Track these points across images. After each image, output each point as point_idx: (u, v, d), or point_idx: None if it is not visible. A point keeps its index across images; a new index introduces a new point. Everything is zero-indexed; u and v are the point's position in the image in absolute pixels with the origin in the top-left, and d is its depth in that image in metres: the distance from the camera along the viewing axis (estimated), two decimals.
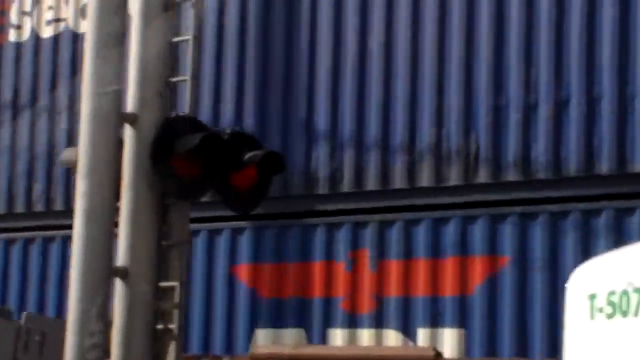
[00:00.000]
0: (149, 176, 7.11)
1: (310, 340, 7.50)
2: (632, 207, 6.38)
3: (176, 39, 7.33)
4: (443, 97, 7.26)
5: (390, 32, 7.51)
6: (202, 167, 7.15)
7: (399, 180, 7.25)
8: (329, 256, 7.57)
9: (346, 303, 7.47)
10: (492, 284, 6.84)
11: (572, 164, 6.63)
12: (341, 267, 7.49)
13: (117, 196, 7.13)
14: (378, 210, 7.38)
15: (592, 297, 3.92)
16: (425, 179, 7.21)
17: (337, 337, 7.44)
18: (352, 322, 7.38)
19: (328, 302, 7.48)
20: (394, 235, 7.29)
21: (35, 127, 9.06)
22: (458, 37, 7.19)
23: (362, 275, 7.40)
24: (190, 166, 7.10)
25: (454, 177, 7.12)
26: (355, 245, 7.50)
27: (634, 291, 3.70)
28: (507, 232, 6.84)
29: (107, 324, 7.04)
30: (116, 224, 7.08)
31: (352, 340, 7.41)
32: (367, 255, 7.45)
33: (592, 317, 3.91)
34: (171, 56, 7.31)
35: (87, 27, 7.25)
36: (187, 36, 7.35)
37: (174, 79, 7.35)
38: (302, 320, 7.56)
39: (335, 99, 7.73)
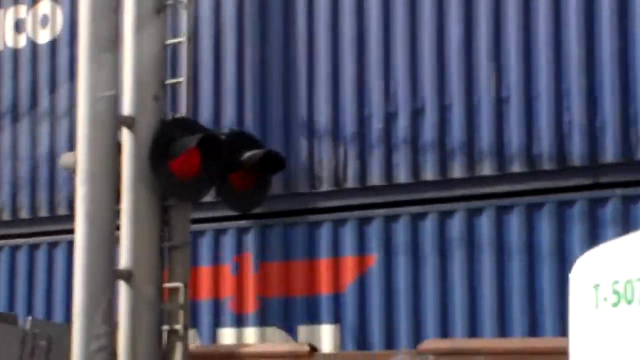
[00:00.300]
0: (149, 178, 7.15)
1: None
2: (480, 207, 7.20)
3: (170, 41, 7.35)
4: (313, 109, 7.83)
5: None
6: (200, 168, 7.19)
7: (276, 187, 7.78)
8: (217, 261, 8.03)
9: (233, 304, 7.93)
10: (362, 281, 7.52)
11: (429, 170, 7.36)
12: (227, 270, 8.00)
13: (117, 199, 7.13)
14: (259, 216, 7.88)
15: (597, 286, 3.94)
16: (300, 186, 7.76)
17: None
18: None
19: (216, 303, 8.02)
20: (274, 238, 7.83)
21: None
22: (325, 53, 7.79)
23: (246, 277, 7.91)
24: (189, 167, 7.15)
25: (325, 184, 7.73)
26: (239, 249, 7.98)
27: (638, 280, 3.74)
28: (374, 233, 7.51)
29: (112, 327, 7.08)
30: (118, 227, 7.16)
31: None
32: (250, 258, 7.94)
33: (596, 306, 3.93)
34: (166, 59, 7.39)
35: (80, 31, 7.23)
36: (181, 38, 7.40)
37: (169, 81, 7.36)
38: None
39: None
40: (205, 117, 8.05)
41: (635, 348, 3.64)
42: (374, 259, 7.50)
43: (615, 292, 3.73)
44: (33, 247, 8.94)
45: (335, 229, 7.64)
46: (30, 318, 7.51)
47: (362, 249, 7.53)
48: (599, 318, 3.84)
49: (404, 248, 7.37)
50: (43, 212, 8.95)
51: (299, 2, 8.08)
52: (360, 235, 7.56)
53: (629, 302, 3.66)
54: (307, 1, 8.08)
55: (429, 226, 7.28)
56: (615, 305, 3.73)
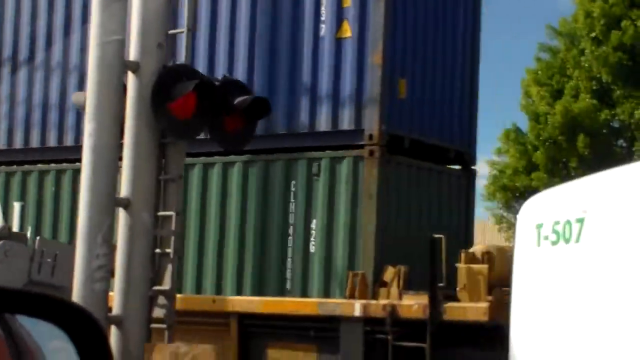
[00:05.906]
0: (149, 118, 7.51)
1: None
2: None
3: None
4: None
5: None
6: (196, 110, 7.53)
7: None
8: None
9: None
10: None
11: None
12: None
13: (120, 135, 7.50)
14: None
15: (539, 226, 4.13)
16: None
17: None
18: None
19: None
20: None
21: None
22: None
23: None
24: (186, 109, 7.49)
25: None
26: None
27: (576, 221, 3.89)
28: None
29: (111, 248, 7.46)
30: (120, 159, 7.51)
31: None
32: None
33: (538, 244, 4.15)
34: (170, 11, 7.71)
35: None
36: None
37: (172, 31, 7.72)
38: None
39: None
40: (201, 66, 8.54)
41: (569, 282, 3.98)
42: None
43: (555, 232, 4.03)
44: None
45: None
46: (39, 237, 7.86)
47: None
48: (540, 255, 4.17)
49: None
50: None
51: None
52: None
53: (567, 240, 3.96)
54: None
55: None
56: (554, 243, 4.05)
